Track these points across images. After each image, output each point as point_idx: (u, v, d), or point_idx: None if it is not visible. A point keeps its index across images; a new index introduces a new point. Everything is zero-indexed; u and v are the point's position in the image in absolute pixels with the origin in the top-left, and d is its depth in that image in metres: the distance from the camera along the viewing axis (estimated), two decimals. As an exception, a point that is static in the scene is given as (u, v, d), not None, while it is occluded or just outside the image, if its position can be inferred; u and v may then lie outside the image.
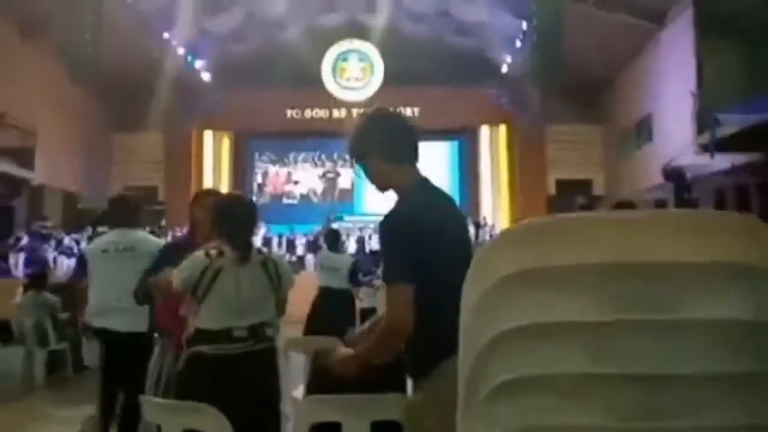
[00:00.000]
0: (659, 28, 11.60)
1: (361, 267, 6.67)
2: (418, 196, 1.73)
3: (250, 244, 2.42)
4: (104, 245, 3.40)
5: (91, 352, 3.28)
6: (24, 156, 12.09)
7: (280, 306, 2.48)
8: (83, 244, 10.71)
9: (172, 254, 2.65)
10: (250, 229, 2.48)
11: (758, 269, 0.77)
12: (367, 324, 2.13)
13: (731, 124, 7.73)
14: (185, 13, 12.29)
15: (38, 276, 6.00)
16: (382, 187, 1.81)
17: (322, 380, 1.99)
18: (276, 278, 2.37)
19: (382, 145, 1.76)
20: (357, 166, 1.83)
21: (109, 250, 3.33)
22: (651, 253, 0.76)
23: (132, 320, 3.14)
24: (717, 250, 0.76)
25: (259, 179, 18.02)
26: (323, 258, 6.20)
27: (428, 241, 1.61)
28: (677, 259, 0.76)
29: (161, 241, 3.52)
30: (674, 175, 9.22)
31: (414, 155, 1.78)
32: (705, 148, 8.59)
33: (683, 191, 8.82)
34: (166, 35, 13.16)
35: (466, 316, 0.82)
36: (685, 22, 10.42)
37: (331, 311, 5.43)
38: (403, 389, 1.86)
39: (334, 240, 6.31)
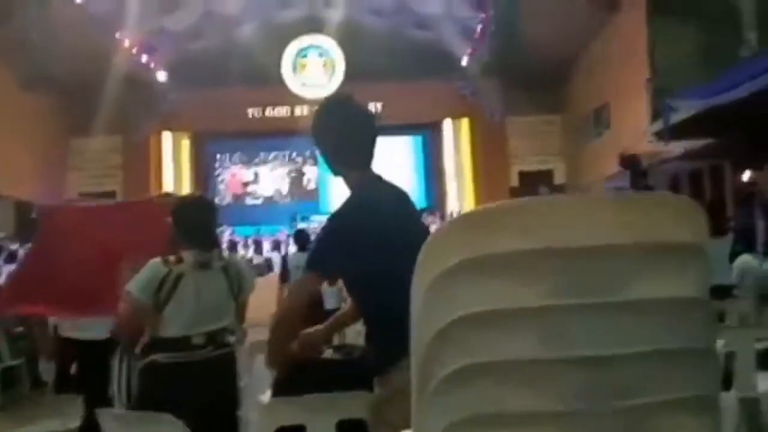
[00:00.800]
0: (614, 14, 11.82)
1: None
2: (364, 193, 1.73)
3: (210, 248, 2.34)
4: None
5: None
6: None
7: (240, 312, 2.43)
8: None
9: None
10: (209, 233, 2.39)
11: (691, 246, 0.80)
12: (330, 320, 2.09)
13: (685, 109, 7.95)
14: (138, 11, 11.95)
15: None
16: (341, 175, 1.81)
17: (287, 383, 1.96)
18: (237, 283, 2.33)
19: (335, 149, 1.75)
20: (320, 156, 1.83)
21: None
22: (591, 236, 0.78)
23: (96, 327, 3.16)
24: (652, 230, 0.78)
25: (221, 181, 17.73)
26: (293, 259, 6.17)
27: (376, 237, 1.60)
28: (616, 242, 0.78)
29: None
30: (630, 162, 9.45)
31: (368, 157, 1.77)
32: (660, 135, 8.81)
33: (639, 179, 9.05)
34: (118, 35, 12.77)
35: (416, 306, 0.82)
36: (638, 7, 10.64)
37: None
38: (369, 387, 1.85)
39: (303, 240, 6.29)
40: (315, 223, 15.93)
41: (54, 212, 3.00)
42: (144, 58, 14.29)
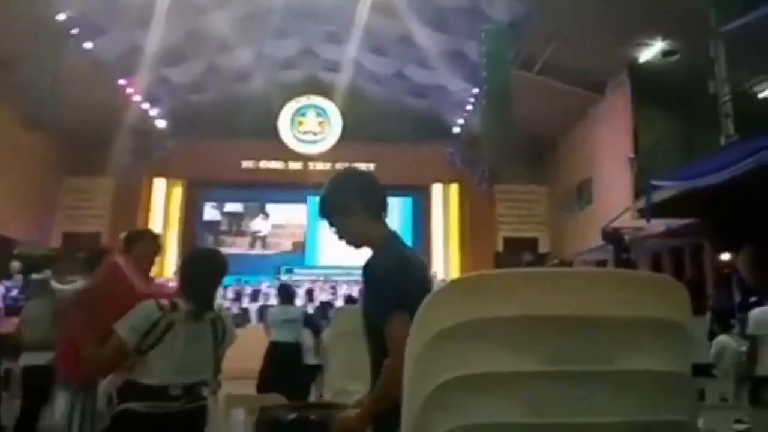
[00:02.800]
0: (599, 96, 12.45)
1: (310, 320, 6.60)
2: (395, 245, 1.78)
3: (209, 302, 2.32)
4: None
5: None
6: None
7: (217, 364, 2.39)
8: (14, 292, 10.11)
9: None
10: (212, 286, 2.36)
11: (677, 324, 0.85)
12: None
13: (667, 189, 8.24)
14: (144, 61, 12.32)
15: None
16: (359, 243, 1.81)
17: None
18: (221, 336, 2.30)
19: (363, 199, 1.78)
20: (330, 225, 1.82)
21: None
22: (582, 306, 0.82)
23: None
24: (641, 306, 0.82)
25: (209, 229, 17.71)
26: (275, 313, 6.12)
27: (409, 287, 1.60)
28: (606, 314, 0.82)
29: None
30: (613, 237, 9.70)
31: (386, 210, 1.84)
32: (642, 213, 9.09)
33: (621, 252, 9.26)
34: (122, 82, 13.10)
35: (409, 368, 0.86)
36: (622, 91, 11.23)
37: (283, 366, 5.33)
38: None
39: (286, 295, 6.29)
40: (298, 277, 15.89)
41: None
42: (146, 106, 14.60)
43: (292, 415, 1.90)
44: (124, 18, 11.26)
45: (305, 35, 14.37)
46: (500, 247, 16.40)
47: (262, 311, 11.61)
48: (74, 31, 11.02)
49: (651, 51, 10.18)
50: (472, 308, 0.81)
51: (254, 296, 13.87)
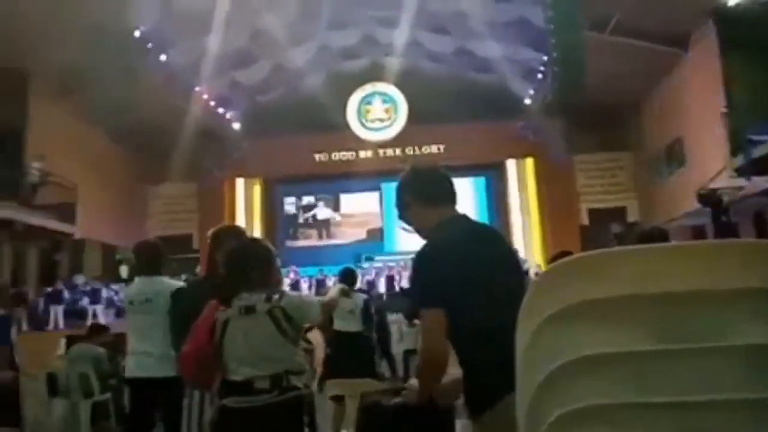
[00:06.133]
0: (682, 51, 11.57)
1: (383, 306, 6.50)
2: (444, 230, 1.78)
3: (251, 290, 2.27)
4: (131, 296, 3.51)
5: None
6: (66, 211, 12.60)
7: (299, 338, 2.34)
8: (121, 295, 10.96)
9: (196, 293, 2.68)
10: (247, 280, 2.30)
11: None
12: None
13: (766, 144, 7.54)
14: (215, 67, 12.81)
15: (95, 327, 6.16)
16: (422, 233, 1.87)
17: (372, 426, 1.96)
18: (288, 326, 2.23)
19: (413, 191, 1.88)
20: (402, 221, 1.92)
21: (134, 302, 3.44)
22: (689, 281, 0.79)
23: (158, 366, 3.17)
24: (751, 277, 0.78)
25: (289, 222, 18.30)
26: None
27: (462, 273, 1.62)
28: (717, 288, 0.79)
29: (178, 284, 3.51)
30: (710, 199, 8.98)
31: (451, 197, 1.88)
32: (741, 171, 8.38)
33: (720, 215, 8.56)
34: (197, 89, 13.70)
35: (521, 355, 0.86)
36: (708, 42, 10.36)
37: (346, 356, 5.27)
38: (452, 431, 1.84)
39: (350, 281, 6.05)
40: (380, 263, 16.07)
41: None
42: (220, 110, 15.23)
43: (396, 400, 1.88)
44: (191, 28, 11.72)
45: (363, 23, 14.35)
46: (585, 220, 15.77)
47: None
48: (150, 45, 11.62)
49: (738, -7, 9.29)
50: (578, 291, 0.81)
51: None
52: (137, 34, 11.17)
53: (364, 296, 5.94)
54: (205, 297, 2.39)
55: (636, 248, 0.82)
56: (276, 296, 2.27)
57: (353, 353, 5.23)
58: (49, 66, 11.41)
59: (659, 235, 3.03)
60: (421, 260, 1.73)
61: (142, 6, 10.34)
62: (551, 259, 3.42)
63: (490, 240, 1.86)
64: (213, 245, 2.79)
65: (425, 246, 1.77)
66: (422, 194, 1.86)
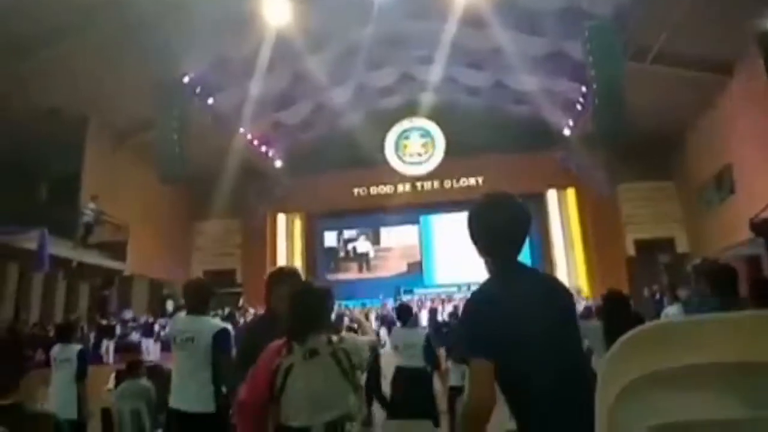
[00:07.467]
0: (727, 77, 11.31)
1: (435, 341, 6.42)
2: (501, 278, 1.74)
3: (315, 333, 2.28)
4: (174, 333, 3.59)
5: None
6: (117, 249, 13.11)
7: (359, 392, 2.35)
8: (168, 329, 11.19)
9: (253, 336, 2.71)
10: (314, 323, 2.31)
11: None
12: None
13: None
14: (258, 109, 13.27)
15: (134, 363, 6.25)
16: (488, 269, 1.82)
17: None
18: (349, 368, 2.26)
19: (472, 237, 1.80)
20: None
21: (177, 339, 3.52)
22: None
23: (196, 400, 3.25)
24: None
25: (329, 256, 18.47)
26: (397, 336, 5.90)
27: (491, 329, 1.59)
28: None
29: (221, 325, 3.59)
30: (764, 228, 8.62)
31: (513, 248, 1.78)
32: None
33: (777, 246, 8.20)
34: (242, 130, 14.19)
35: (601, 419, 0.85)
36: (755, 67, 10.10)
37: (411, 393, 5.22)
38: None
39: (406, 315, 5.99)
40: (417, 297, 15.95)
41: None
42: (263, 149, 15.70)
43: None
44: (236, 73, 12.23)
45: (400, 62, 14.66)
46: (632, 250, 15.32)
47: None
48: (198, 90, 12.17)
49: (784, 18, 9.07)
50: (661, 358, 0.80)
51: (381, 319, 14.06)
52: (186, 80, 11.72)
53: (426, 331, 5.83)
54: (266, 336, 2.40)
55: (725, 317, 0.82)
56: (336, 338, 2.29)
57: (415, 391, 5.15)
58: (106, 113, 12.09)
59: (715, 266, 2.94)
60: (474, 305, 1.68)
61: (190, 54, 10.88)
62: (605, 298, 3.35)
63: (551, 293, 1.78)
64: (272, 285, 2.84)
65: (482, 289, 1.71)
66: (480, 244, 1.79)
